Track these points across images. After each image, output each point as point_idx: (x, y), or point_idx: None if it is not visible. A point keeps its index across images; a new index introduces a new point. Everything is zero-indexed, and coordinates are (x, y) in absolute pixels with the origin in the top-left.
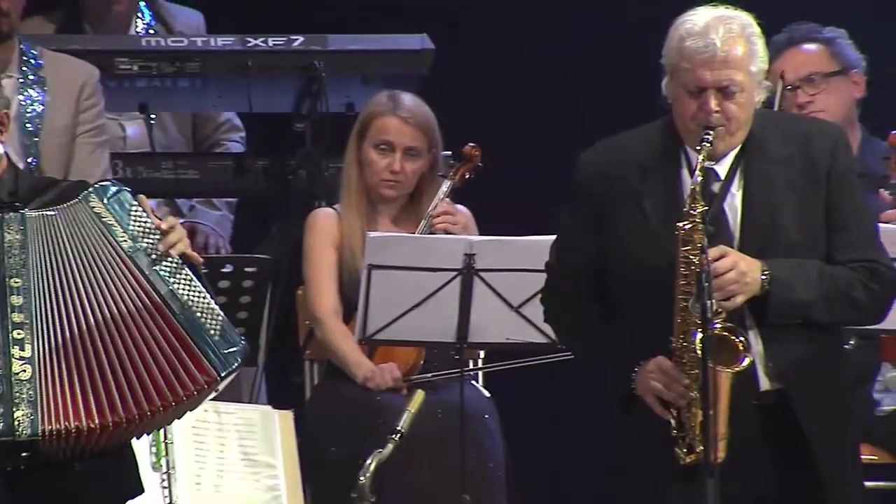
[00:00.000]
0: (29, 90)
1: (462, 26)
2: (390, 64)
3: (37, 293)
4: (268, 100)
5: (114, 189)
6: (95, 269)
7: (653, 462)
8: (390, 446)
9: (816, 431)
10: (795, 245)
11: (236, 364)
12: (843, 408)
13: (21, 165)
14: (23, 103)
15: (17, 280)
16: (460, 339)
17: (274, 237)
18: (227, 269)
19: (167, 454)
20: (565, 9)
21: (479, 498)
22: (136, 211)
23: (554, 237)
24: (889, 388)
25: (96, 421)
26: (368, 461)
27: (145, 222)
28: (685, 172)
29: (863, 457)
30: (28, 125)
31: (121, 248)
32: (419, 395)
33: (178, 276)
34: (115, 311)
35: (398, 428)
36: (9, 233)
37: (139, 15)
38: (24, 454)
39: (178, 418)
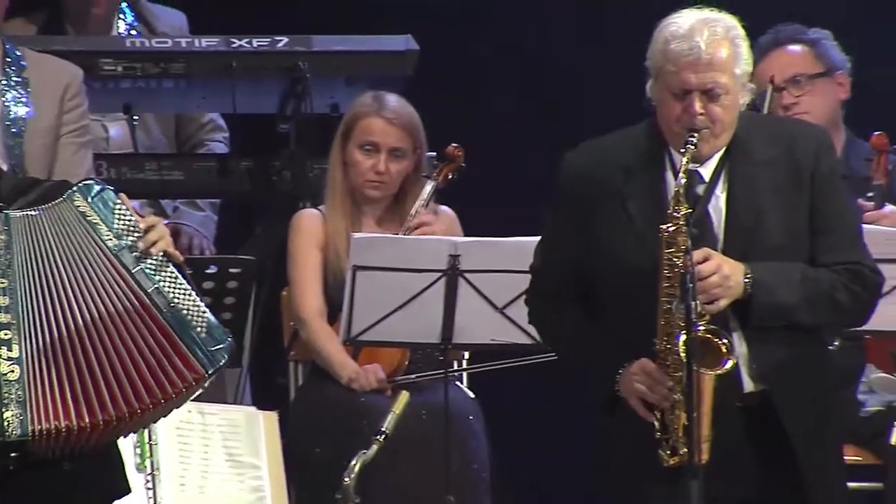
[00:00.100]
0: (13, 91)
1: (446, 27)
2: (375, 65)
3: (23, 293)
4: (252, 101)
5: (97, 188)
6: (81, 267)
7: (636, 464)
8: (375, 447)
9: (800, 433)
10: (779, 247)
11: (223, 361)
12: (827, 409)
13: (5, 167)
14: (7, 104)
15: (3, 280)
16: (445, 340)
17: (258, 238)
18: (212, 270)
19: (151, 455)
20: (551, 8)
21: (464, 499)
22: (119, 209)
23: (538, 238)
24: (873, 389)
25: (86, 420)
26: (353, 462)
27: (129, 220)
28: (669, 175)
29: (847, 458)
30: (12, 127)
31: (106, 246)
32: (404, 397)
33: (163, 273)
34: (103, 309)
35: (383, 429)
36: None
37: (121, 16)
38: (13, 454)
39: (165, 416)
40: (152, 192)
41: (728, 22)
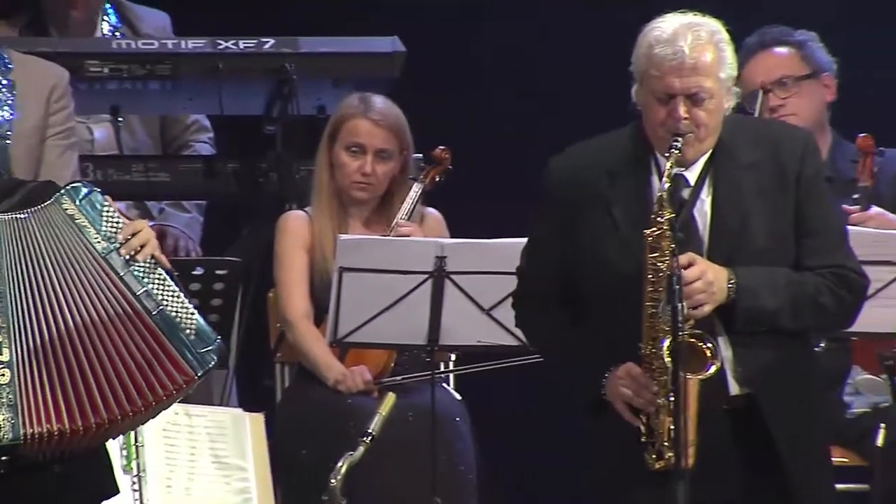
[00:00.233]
0: None
1: (433, 29)
2: (361, 66)
3: (12, 296)
4: (239, 102)
5: (85, 190)
6: (71, 271)
7: (622, 467)
8: (361, 449)
9: (785, 436)
10: (764, 251)
11: (213, 363)
12: (813, 412)
13: None
14: None
15: None
16: (431, 341)
17: (245, 240)
18: (198, 271)
19: (138, 457)
20: (537, 11)
21: (450, 500)
22: (107, 211)
23: (525, 240)
24: (859, 391)
25: (78, 423)
26: (339, 464)
27: (117, 222)
28: (655, 179)
29: (833, 459)
30: None
31: (95, 249)
32: (390, 398)
33: (151, 276)
34: (93, 312)
35: (369, 430)
36: None
37: (105, 17)
38: (3, 458)
39: (154, 417)
40: (138, 194)
41: (712, 26)
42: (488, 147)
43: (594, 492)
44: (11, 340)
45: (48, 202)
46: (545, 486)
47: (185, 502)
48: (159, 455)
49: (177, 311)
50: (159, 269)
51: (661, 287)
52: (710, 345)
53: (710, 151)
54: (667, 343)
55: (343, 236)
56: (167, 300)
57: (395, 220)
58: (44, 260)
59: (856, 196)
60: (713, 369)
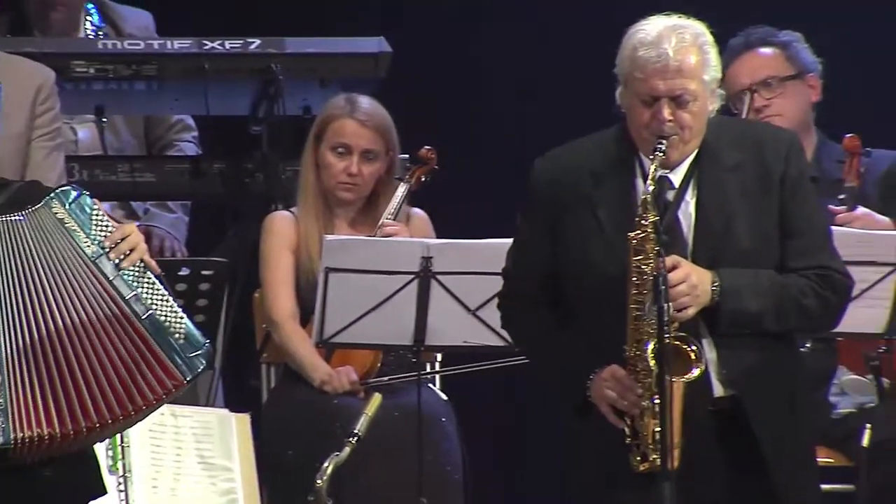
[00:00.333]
0: None
1: (419, 29)
2: (348, 67)
3: (3, 299)
4: (225, 102)
5: (74, 194)
6: (61, 274)
7: (607, 469)
8: (347, 449)
9: (769, 437)
10: (748, 252)
11: (202, 367)
12: (797, 413)
13: None
14: None
15: None
16: (417, 342)
17: (230, 240)
18: (184, 272)
19: (124, 457)
20: (523, 11)
21: (436, 501)
22: (97, 215)
23: (511, 241)
24: (845, 392)
25: (69, 426)
26: (325, 464)
27: (106, 226)
28: (639, 181)
29: (819, 459)
30: None
31: (84, 253)
32: (376, 399)
33: (141, 280)
34: (84, 316)
35: (355, 431)
36: None
37: (88, 17)
38: None
39: (143, 420)
40: (124, 194)
41: (696, 29)
42: (475, 147)
43: (579, 494)
44: (1, 343)
45: (38, 205)
46: (531, 487)
47: (170, 503)
48: (145, 455)
49: (166, 316)
50: (148, 273)
51: (645, 289)
52: (694, 347)
53: (695, 153)
54: (651, 346)
55: (329, 237)
56: (156, 304)
57: (381, 221)
58: (34, 263)
59: (842, 196)
60: (696, 373)
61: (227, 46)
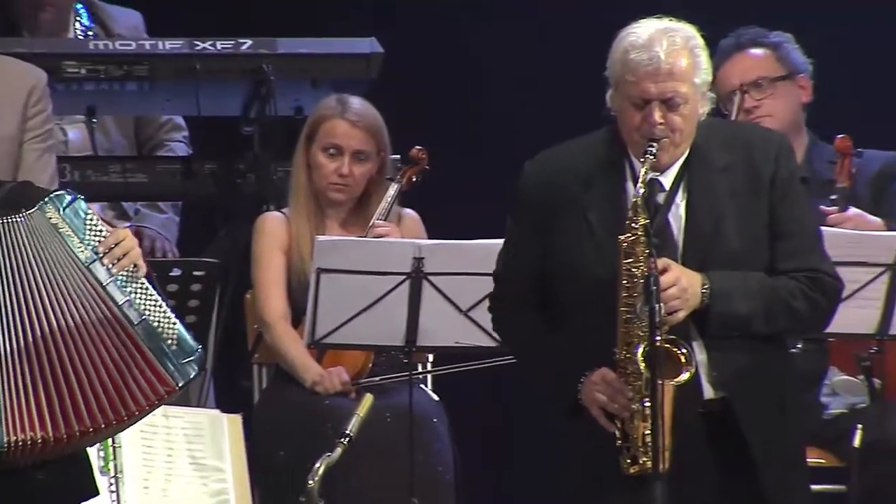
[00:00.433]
0: None
1: (411, 30)
2: (339, 67)
3: (1, 300)
4: (216, 103)
5: (69, 198)
6: (56, 279)
7: (597, 471)
8: (339, 450)
9: (759, 439)
10: (738, 254)
11: (194, 374)
12: (787, 414)
13: None
14: None
15: None
16: (409, 342)
17: (222, 241)
18: (176, 272)
19: (115, 458)
20: (515, 11)
21: (428, 501)
22: (91, 220)
23: (502, 242)
24: (836, 392)
25: (62, 431)
26: (317, 465)
27: (100, 231)
28: (629, 184)
29: (810, 460)
30: None
31: (78, 258)
32: (368, 399)
33: (134, 286)
34: (77, 322)
35: (347, 432)
36: None
37: (77, 17)
38: None
39: (133, 425)
40: (116, 195)
41: (687, 32)
42: (466, 148)
43: (569, 496)
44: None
45: (33, 209)
46: (522, 487)
47: (162, 503)
48: (137, 456)
49: (158, 321)
50: (142, 278)
51: (635, 292)
52: (684, 350)
53: (685, 155)
54: (641, 348)
55: (320, 237)
56: (149, 310)
57: (372, 221)
58: (30, 266)
59: (833, 197)
60: (686, 376)
61: (219, 47)
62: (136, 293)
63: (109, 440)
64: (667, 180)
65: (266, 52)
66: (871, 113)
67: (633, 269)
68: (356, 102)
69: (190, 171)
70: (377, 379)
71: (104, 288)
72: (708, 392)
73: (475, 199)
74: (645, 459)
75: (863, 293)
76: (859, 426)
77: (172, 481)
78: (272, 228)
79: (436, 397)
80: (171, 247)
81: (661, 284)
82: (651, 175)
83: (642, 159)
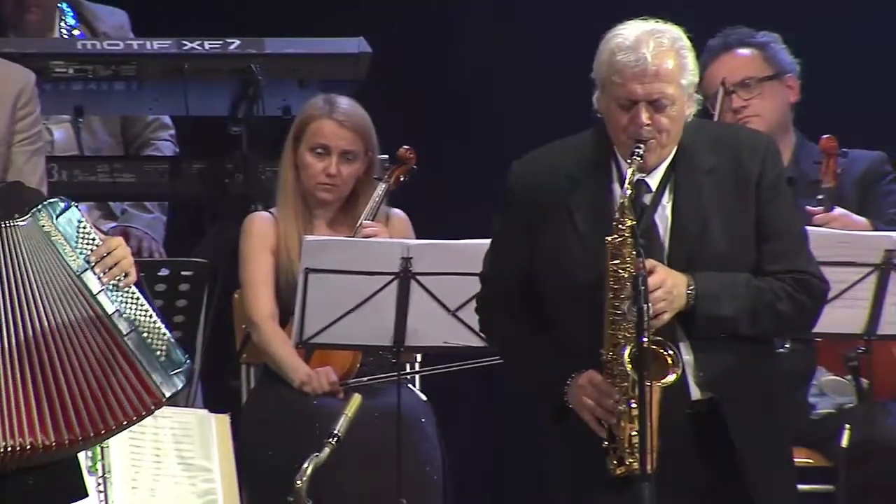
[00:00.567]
0: None
1: (398, 30)
2: (327, 67)
3: None
4: (204, 103)
5: (62, 206)
6: (48, 287)
7: (584, 473)
8: (327, 450)
9: (746, 440)
10: (724, 255)
11: (182, 385)
12: (775, 415)
13: None
14: None
15: None
16: (397, 342)
17: (210, 240)
18: (164, 272)
19: (103, 458)
20: (502, 12)
21: (416, 501)
22: (84, 229)
23: (489, 243)
24: (824, 392)
25: (51, 438)
26: (305, 465)
27: (93, 240)
28: (616, 185)
29: (798, 460)
30: None
31: (70, 268)
32: (356, 399)
33: (124, 295)
34: (69, 330)
35: (335, 432)
36: None
37: (63, 17)
38: None
39: (118, 434)
40: (103, 195)
41: (674, 33)
42: (454, 147)
43: (556, 497)
44: None
45: (26, 217)
46: (511, 487)
47: (150, 503)
48: (125, 456)
49: (148, 332)
50: (133, 288)
51: (622, 294)
52: (671, 352)
53: (672, 157)
54: (628, 350)
55: (308, 237)
56: (139, 321)
57: (360, 221)
58: (25, 272)
59: (820, 197)
60: (672, 378)
61: (207, 47)
62: (126, 303)
63: None
64: (653, 181)
65: (254, 52)
66: (857, 113)
67: (620, 271)
68: (344, 102)
69: (178, 171)
70: (365, 379)
71: (95, 297)
72: (695, 393)
73: (463, 198)
74: (631, 461)
75: (850, 293)
76: (847, 426)
77: (160, 481)
78: (260, 228)
79: (424, 397)
80: (158, 247)
81: (648, 286)
82: (638, 176)
83: (629, 160)
